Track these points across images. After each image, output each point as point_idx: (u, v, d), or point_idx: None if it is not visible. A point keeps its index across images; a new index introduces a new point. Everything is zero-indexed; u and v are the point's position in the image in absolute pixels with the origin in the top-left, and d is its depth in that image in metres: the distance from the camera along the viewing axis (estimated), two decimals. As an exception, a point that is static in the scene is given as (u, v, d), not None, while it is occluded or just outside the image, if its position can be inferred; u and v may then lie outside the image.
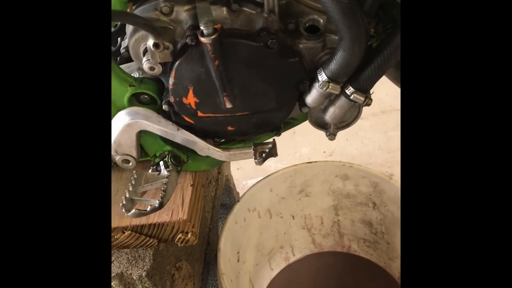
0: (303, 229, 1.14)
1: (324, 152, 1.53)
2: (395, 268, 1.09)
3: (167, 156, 0.72)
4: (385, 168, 1.42)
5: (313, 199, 1.07)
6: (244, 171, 1.50)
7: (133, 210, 0.63)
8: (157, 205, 0.64)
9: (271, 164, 1.44)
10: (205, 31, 0.55)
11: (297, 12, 0.62)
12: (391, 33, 0.59)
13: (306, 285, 1.18)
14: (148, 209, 0.64)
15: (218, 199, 1.09)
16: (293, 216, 1.10)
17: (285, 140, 1.48)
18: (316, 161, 1.01)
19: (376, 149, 1.50)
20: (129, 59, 0.69)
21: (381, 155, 1.47)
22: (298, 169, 1.01)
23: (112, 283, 0.73)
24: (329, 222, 1.13)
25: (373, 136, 1.54)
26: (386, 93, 1.64)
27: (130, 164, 0.73)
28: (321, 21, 0.61)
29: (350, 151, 1.51)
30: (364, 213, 1.06)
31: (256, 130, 0.69)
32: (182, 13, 0.60)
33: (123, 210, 0.63)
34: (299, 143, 1.55)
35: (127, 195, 0.65)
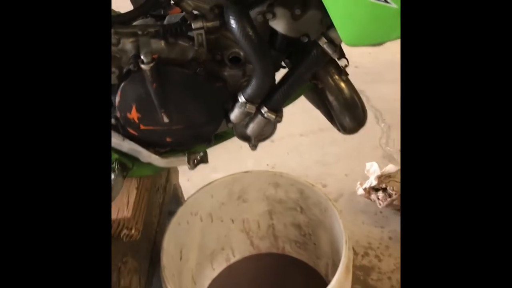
0: (242, 232, 1.27)
1: (267, 165, 1.68)
2: (322, 266, 1.24)
3: (114, 163, 0.84)
4: (320, 179, 1.58)
5: (250, 204, 1.20)
6: (193, 182, 1.62)
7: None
8: (104, 202, 0.76)
9: (217, 176, 1.57)
10: (144, 60, 0.69)
11: (223, 45, 0.76)
12: (296, 64, 0.74)
13: (245, 284, 1.31)
14: (96, 206, 0.76)
15: (166, 206, 1.21)
16: (232, 220, 1.23)
17: (232, 155, 1.63)
18: (251, 171, 1.15)
19: (313, 163, 1.66)
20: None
21: (317, 168, 1.63)
22: (236, 177, 1.15)
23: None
24: (265, 226, 1.27)
25: (311, 151, 1.70)
26: (325, 112, 1.81)
27: (82, 169, 0.84)
28: (242, 53, 0.75)
29: (290, 164, 1.66)
30: (294, 217, 1.20)
31: (190, 141, 0.82)
32: (128, 44, 0.73)
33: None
34: (244, 157, 1.69)
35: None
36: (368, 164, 1.51)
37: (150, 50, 0.70)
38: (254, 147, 0.86)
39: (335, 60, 0.80)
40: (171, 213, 1.32)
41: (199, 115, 0.77)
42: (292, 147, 1.73)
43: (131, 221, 0.84)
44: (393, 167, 1.48)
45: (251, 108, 0.74)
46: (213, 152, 1.73)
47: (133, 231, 0.85)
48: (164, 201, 1.20)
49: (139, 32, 0.72)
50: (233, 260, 1.32)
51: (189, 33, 0.74)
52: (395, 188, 1.42)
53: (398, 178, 1.45)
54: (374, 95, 1.88)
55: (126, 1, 0.99)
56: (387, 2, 0.58)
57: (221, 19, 0.71)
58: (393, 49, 2.34)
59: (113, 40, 0.73)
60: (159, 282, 1.10)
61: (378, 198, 1.45)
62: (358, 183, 1.50)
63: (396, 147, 1.68)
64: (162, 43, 0.73)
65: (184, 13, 0.73)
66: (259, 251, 1.33)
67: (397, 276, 1.30)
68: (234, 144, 1.77)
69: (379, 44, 0.73)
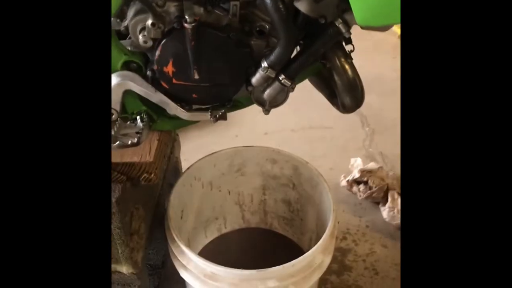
0: (236, 205, 1.39)
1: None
2: (304, 241, 1.35)
3: (143, 113, 0.95)
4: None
5: (247, 178, 1.32)
6: (189, 162, 1.73)
7: (117, 142, 0.86)
8: (135, 141, 0.88)
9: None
10: (188, 19, 0.81)
11: (251, 19, 0.89)
12: (311, 41, 0.88)
13: (233, 256, 1.41)
14: (129, 142, 0.87)
15: (168, 173, 1.32)
16: (229, 191, 1.34)
17: (227, 140, 1.74)
18: (252, 146, 1.27)
19: (301, 156, 1.78)
20: (125, 37, 0.93)
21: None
22: (238, 150, 1.27)
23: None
24: (257, 201, 1.38)
25: (300, 145, 1.83)
26: (315, 113, 1.96)
27: (114, 116, 0.95)
28: (267, 27, 0.88)
29: (280, 155, 1.79)
30: (285, 193, 1.32)
31: (213, 100, 0.94)
32: (172, 7, 0.85)
33: (110, 141, 0.85)
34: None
35: (112, 133, 0.88)
36: (352, 159, 1.66)
37: (193, 12, 0.82)
38: (267, 111, 0.98)
39: (342, 45, 0.95)
40: (171, 186, 1.43)
41: (225, 75, 0.90)
42: (283, 140, 1.86)
43: (152, 165, 0.95)
44: (375, 165, 1.63)
45: (272, 73, 0.87)
46: (210, 135, 1.84)
47: (152, 175, 0.96)
48: (167, 169, 1.30)
49: (184, -2, 0.84)
50: (224, 231, 1.43)
51: (223, 5, 0.87)
52: (375, 182, 1.56)
53: (379, 174, 1.59)
54: (362, 103, 2.03)
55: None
56: (397, -11, 0.72)
57: (254, -5, 0.85)
58: (380, 65, 2.53)
59: (160, 3, 0.85)
60: (159, 235, 1.20)
61: (359, 190, 1.59)
62: (342, 175, 1.64)
63: (378, 149, 1.83)
64: (202, 9, 0.85)
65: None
66: (249, 225, 1.44)
67: (371, 259, 1.43)
68: (229, 133, 1.90)
69: (386, 28, 0.88)
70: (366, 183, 1.58)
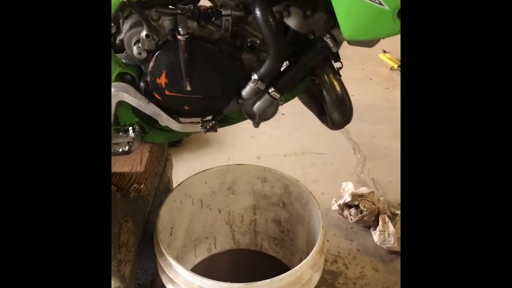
0: (226, 224, 1.39)
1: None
2: (295, 262, 1.34)
3: (135, 124, 0.97)
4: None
5: (238, 197, 1.33)
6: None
7: (108, 150, 0.87)
8: (126, 150, 0.89)
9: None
10: (181, 32, 0.84)
11: (243, 35, 0.92)
12: (299, 57, 0.91)
13: (223, 277, 1.40)
14: (120, 150, 0.88)
15: (160, 192, 1.32)
16: (219, 210, 1.35)
17: (222, 162, 1.75)
18: (243, 164, 1.29)
19: (294, 180, 1.80)
20: (120, 50, 0.96)
21: (297, 184, 1.77)
22: (230, 168, 1.28)
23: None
24: (248, 220, 1.38)
25: (293, 170, 1.84)
26: (307, 139, 1.98)
27: (106, 127, 0.97)
28: (258, 42, 0.92)
29: (272, 179, 1.80)
30: (276, 212, 1.33)
31: (204, 111, 0.96)
32: (166, 21, 0.88)
33: (102, 148, 0.87)
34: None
35: (104, 142, 0.89)
36: (344, 184, 1.67)
37: (186, 26, 0.85)
38: (257, 124, 1.00)
39: (331, 62, 0.98)
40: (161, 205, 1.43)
41: (216, 87, 0.92)
42: (276, 164, 1.84)
43: (142, 176, 0.96)
44: (366, 189, 1.64)
45: (261, 85, 0.89)
46: (204, 158, 1.86)
47: (142, 185, 0.97)
48: (159, 187, 1.31)
49: (178, 12, 0.88)
50: (214, 251, 1.42)
51: (216, 21, 0.90)
52: (366, 206, 1.57)
53: (370, 198, 1.60)
54: (354, 130, 2.06)
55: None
56: (381, 4, 0.75)
57: (245, 11, 0.88)
58: (373, 95, 2.59)
59: (154, 16, 0.88)
60: (148, 254, 1.20)
61: (350, 214, 1.59)
62: (333, 199, 1.65)
63: (370, 175, 1.84)
64: (195, 24, 0.89)
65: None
66: (239, 246, 1.44)
67: (361, 283, 1.42)
68: (222, 156, 1.91)
69: (373, 43, 0.91)
70: (357, 207, 1.59)
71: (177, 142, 1.86)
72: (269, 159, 1.89)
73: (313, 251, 1.03)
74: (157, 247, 1.05)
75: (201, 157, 1.85)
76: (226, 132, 1.96)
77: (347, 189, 1.63)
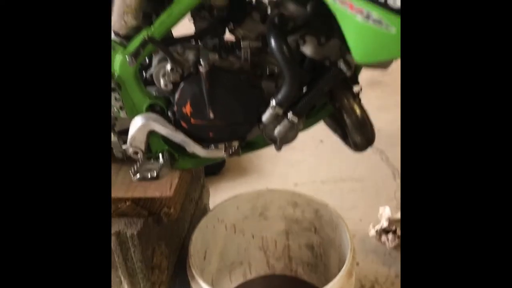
0: (260, 250, 1.41)
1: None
2: None
3: (164, 151, 1.04)
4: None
5: (270, 222, 1.35)
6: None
7: (138, 175, 0.94)
8: (154, 175, 0.95)
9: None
10: (203, 64, 0.91)
11: (263, 64, 0.98)
12: (316, 82, 0.94)
13: (259, 305, 1.42)
14: (149, 176, 0.95)
15: (195, 218, 1.37)
16: (253, 236, 1.38)
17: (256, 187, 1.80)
18: (274, 189, 1.32)
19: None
20: (150, 83, 1.04)
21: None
22: (261, 193, 1.31)
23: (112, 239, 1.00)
24: (281, 246, 1.40)
25: (330, 197, 1.84)
26: (346, 165, 1.98)
27: (139, 155, 1.04)
28: (276, 70, 0.97)
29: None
30: (308, 237, 1.34)
31: (228, 138, 1.02)
32: (190, 54, 0.96)
33: (131, 173, 0.93)
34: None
35: (136, 167, 0.96)
36: (381, 208, 1.65)
37: (208, 58, 0.92)
38: (279, 148, 1.04)
39: (350, 86, 1.01)
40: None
41: (238, 114, 0.97)
42: (313, 192, 1.86)
43: (171, 200, 1.02)
44: (404, 214, 1.61)
45: (280, 110, 0.94)
46: (242, 186, 1.91)
47: (172, 209, 1.02)
48: (195, 213, 1.36)
49: (201, 45, 0.95)
50: (249, 277, 1.44)
51: (237, 53, 0.97)
52: (404, 231, 1.54)
53: (408, 223, 1.57)
54: (393, 156, 2.04)
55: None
56: (387, 28, 0.78)
57: (263, 42, 0.94)
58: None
59: (179, 50, 0.95)
60: (184, 279, 1.24)
61: (388, 240, 1.57)
62: (371, 225, 1.63)
63: (409, 200, 1.81)
64: (216, 55, 0.95)
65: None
66: (274, 272, 1.45)
67: (400, 309, 1.39)
68: (259, 185, 1.95)
69: (387, 64, 0.94)
70: (394, 232, 1.57)
71: (217, 170, 1.92)
72: (306, 186, 1.90)
73: (339, 274, 1.04)
74: (189, 271, 1.09)
75: (239, 185, 1.89)
76: (264, 160, 2.01)
77: (384, 214, 1.62)
